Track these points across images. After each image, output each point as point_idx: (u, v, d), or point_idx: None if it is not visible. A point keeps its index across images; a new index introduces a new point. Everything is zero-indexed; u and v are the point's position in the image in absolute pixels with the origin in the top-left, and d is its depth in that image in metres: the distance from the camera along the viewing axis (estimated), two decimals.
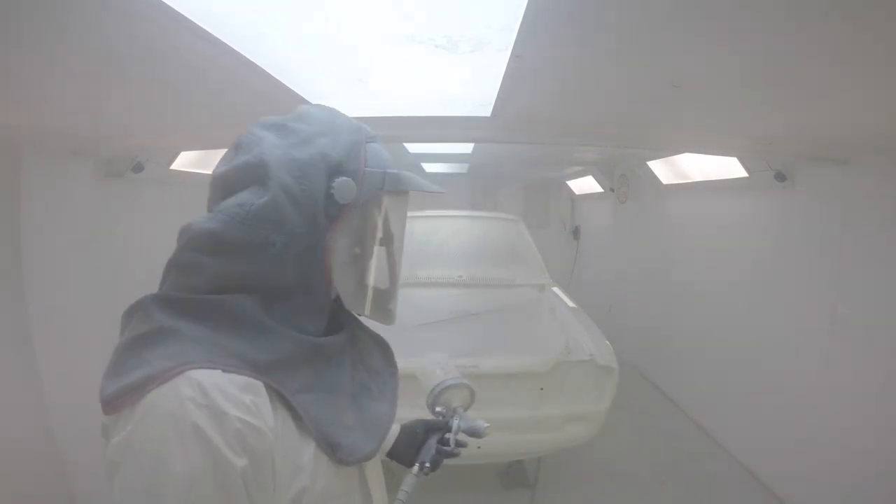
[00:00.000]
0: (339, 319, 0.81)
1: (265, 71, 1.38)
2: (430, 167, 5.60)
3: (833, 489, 2.36)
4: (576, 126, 2.29)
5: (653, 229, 4.58)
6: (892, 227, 2.18)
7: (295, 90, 1.61)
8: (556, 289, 3.84)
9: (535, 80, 1.51)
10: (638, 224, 4.86)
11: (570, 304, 3.50)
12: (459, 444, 1.01)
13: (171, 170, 2.98)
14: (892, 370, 2.14)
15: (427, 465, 0.97)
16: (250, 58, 1.26)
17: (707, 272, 3.65)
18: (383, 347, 0.90)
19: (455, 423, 0.99)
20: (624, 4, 0.98)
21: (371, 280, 0.79)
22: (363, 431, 0.75)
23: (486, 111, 1.90)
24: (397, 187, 0.78)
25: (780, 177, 2.76)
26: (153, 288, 0.72)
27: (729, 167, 3.15)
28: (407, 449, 1.03)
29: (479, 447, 2.90)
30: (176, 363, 0.61)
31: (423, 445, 1.01)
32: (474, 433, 1.02)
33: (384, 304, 0.83)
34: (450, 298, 3.57)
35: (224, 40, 1.13)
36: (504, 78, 1.46)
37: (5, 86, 1.35)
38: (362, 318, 0.93)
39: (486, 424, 1.01)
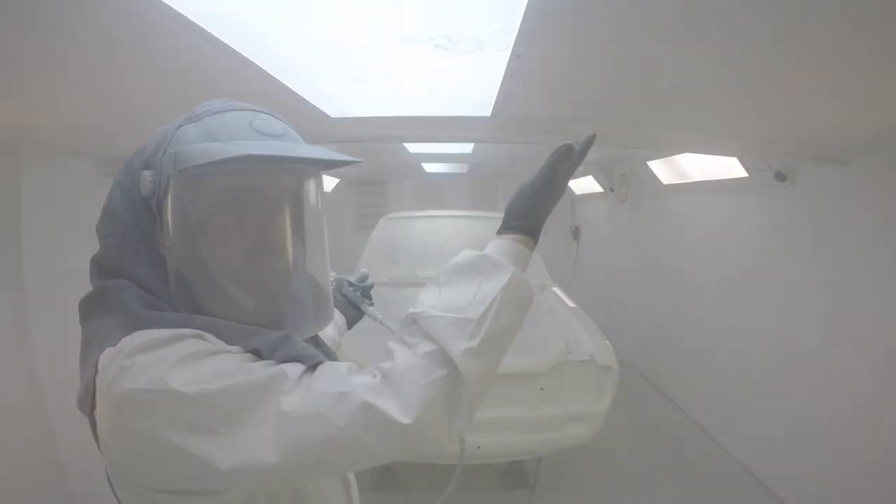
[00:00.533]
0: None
1: (265, 71, 1.38)
2: (430, 167, 5.60)
3: (833, 489, 2.36)
4: (576, 126, 2.28)
5: (653, 229, 4.58)
6: (892, 227, 2.18)
7: (295, 90, 1.61)
8: (556, 289, 3.84)
9: (535, 79, 1.50)
10: (638, 224, 4.86)
11: (570, 304, 3.50)
12: (364, 284, 1.20)
13: None
14: (892, 370, 2.14)
15: (368, 301, 1.18)
16: (250, 58, 1.26)
17: (707, 272, 3.65)
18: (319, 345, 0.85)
19: (347, 279, 1.19)
20: (624, 4, 0.98)
21: (193, 279, 0.70)
22: (284, 341, 0.69)
23: (486, 111, 1.89)
24: (183, 165, 0.67)
25: (780, 177, 2.76)
26: None
27: (729, 167, 3.15)
28: (354, 313, 1.19)
29: (479, 447, 2.91)
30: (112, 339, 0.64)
31: (351, 301, 1.17)
32: (364, 277, 1.21)
33: (222, 308, 0.70)
34: None
35: (224, 40, 1.13)
36: (504, 78, 1.46)
37: (5, 86, 1.35)
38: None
39: (365, 269, 1.24)
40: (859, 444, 2.26)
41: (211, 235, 0.70)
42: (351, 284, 1.17)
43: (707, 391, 3.59)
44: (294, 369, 0.63)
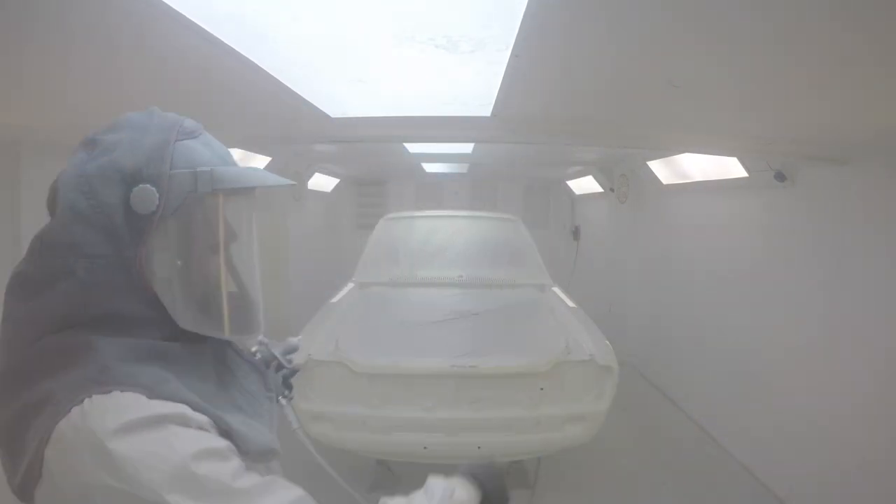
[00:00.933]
0: (196, 339, 0.72)
1: (265, 71, 1.38)
2: (430, 167, 5.61)
3: (833, 489, 2.36)
4: (576, 126, 2.29)
5: (653, 229, 4.58)
6: (892, 226, 2.18)
7: (295, 90, 1.61)
8: (556, 289, 3.84)
9: (535, 79, 1.51)
10: (638, 224, 4.86)
11: (570, 304, 3.50)
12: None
13: None
14: (892, 370, 2.15)
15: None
16: (251, 58, 1.26)
17: (707, 272, 3.65)
18: (260, 372, 0.85)
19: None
20: (624, 4, 0.98)
21: (207, 294, 0.71)
22: (250, 428, 0.69)
23: (486, 111, 1.90)
24: (212, 187, 0.69)
25: (780, 177, 2.76)
26: None
27: (729, 167, 3.15)
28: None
29: (479, 447, 2.91)
30: (67, 400, 0.57)
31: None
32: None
33: (235, 317, 0.73)
34: (450, 298, 3.57)
35: (225, 40, 1.13)
36: (504, 78, 1.46)
37: (5, 86, 1.35)
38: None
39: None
40: (859, 444, 2.26)
41: (230, 252, 0.74)
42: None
43: (707, 391, 3.59)
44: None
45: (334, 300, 3.54)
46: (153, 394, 0.60)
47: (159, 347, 0.67)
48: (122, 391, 0.59)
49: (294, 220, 4.91)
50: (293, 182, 0.82)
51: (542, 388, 2.56)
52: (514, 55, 1.24)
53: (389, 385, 2.57)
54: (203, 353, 0.72)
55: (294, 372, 1.03)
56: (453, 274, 3.90)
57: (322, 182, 5.76)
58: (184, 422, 0.60)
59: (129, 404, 0.58)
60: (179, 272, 0.68)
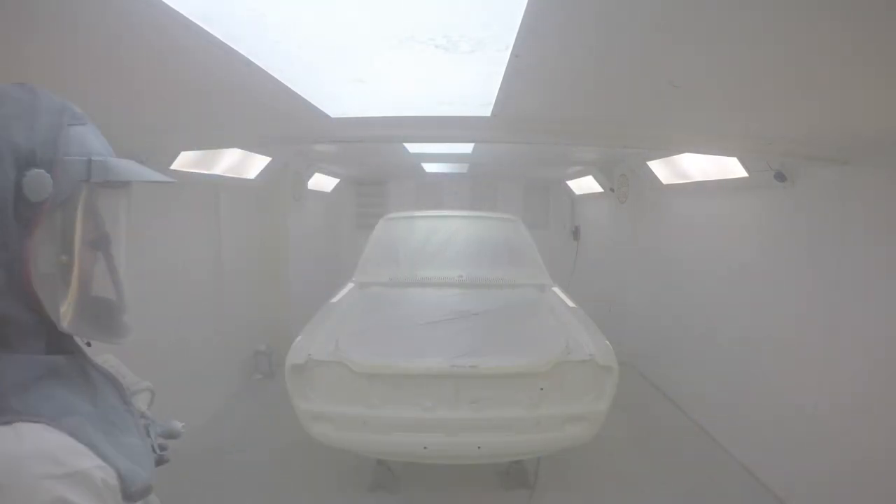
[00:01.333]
0: (62, 349, 0.67)
1: (265, 71, 1.38)
2: (430, 167, 5.61)
3: (833, 489, 2.36)
4: (576, 126, 2.29)
5: (653, 229, 4.58)
6: (892, 226, 2.18)
7: (295, 90, 1.61)
8: (556, 289, 3.84)
9: (535, 79, 1.51)
10: (638, 224, 4.86)
11: (570, 304, 3.50)
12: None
13: (172, 169, 2.99)
14: (892, 370, 2.15)
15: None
16: (250, 58, 1.26)
17: (707, 272, 3.65)
18: (114, 383, 0.78)
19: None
20: (624, 4, 0.98)
21: (88, 292, 0.67)
22: (130, 460, 0.64)
23: (486, 111, 1.90)
24: (105, 177, 0.65)
25: (780, 177, 2.76)
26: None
27: (729, 167, 3.15)
28: None
29: (479, 447, 2.91)
30: None
31: None
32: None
33: (110, 318, 0.71)
34: (450, 298, 3.57)
35: (224, 40, 1.13)
36: (504, 78, 1.46)
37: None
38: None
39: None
40: (859, 443, 2.27)
41: (112, 245, 0.70)
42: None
43: (707, 391, 3.59)
44: None
45: (334, 300, 3.54)
46: (58, 425, 0.57)
47: (52, 364, 0.62)
48: (24, 423, 0.55)
49: (294, 220, 4.91)
50: (174, 180, 0.80)
51: (542, 388, 2.57)
52: (514, 55, 1.24)
53: (389, 385, 2.57)
54: (77, 367, 0.67)
55: (163, 461, 0.85)
56: (453, 274, 3.91)
57: (322, 182, 5.76)
58: (90, 484, 0.56)
59: (34, 442, 0.54)
60: (64, 269, 0.63)
